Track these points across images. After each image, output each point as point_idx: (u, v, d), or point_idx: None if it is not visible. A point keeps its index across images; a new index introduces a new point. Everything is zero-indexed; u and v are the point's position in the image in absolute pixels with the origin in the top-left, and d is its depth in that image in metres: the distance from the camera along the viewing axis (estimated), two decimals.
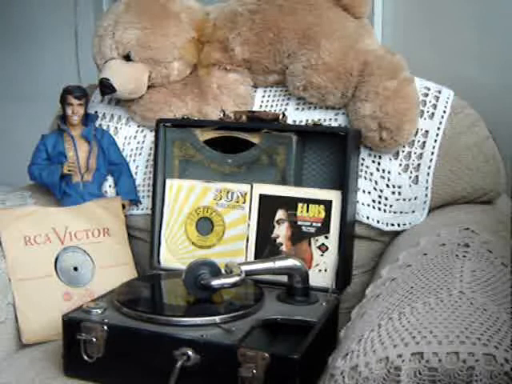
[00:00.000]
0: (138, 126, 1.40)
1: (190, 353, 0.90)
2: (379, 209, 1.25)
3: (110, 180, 1.37)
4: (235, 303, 1.05)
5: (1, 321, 1.15)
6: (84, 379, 0.98)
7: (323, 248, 1.19)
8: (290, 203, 1.21)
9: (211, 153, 1.27)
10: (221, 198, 1.26)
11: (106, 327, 0.96)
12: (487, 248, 0.96)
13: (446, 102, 1.24)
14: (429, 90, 1.26)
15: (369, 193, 1.25)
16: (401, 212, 1.24)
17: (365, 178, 1.26)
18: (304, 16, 1.29)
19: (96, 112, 1.42)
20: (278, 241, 1.22)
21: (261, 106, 1.36)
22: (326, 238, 1.18)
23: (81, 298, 1.19)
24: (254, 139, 1.23)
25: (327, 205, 1.19)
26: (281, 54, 1.30)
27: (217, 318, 0.97)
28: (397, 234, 1.24)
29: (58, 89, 1.31)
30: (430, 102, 1.25)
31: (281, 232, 1.22)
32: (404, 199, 1.24)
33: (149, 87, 1.36)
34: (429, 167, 1.22)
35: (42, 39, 2.36)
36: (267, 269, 1.09)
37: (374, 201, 1.25)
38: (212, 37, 1.36)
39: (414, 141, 1.23)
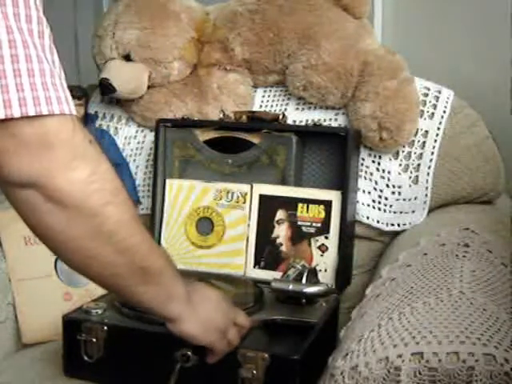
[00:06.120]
0: (138, 126, 1.40)
1: (189, 353, 0.90)
2: (379, 209, 1.25)
3: None
4: (235, 303, 1.05)
5: (1, 321, 1.15)
6: (84, 379, 0.98)
7: (323, 248, 1.19)
8: (290, 203, 1.21)
9: (211, 153, 1.27)
10: (221, 198, 1.26)
11: (106, 327, 0.96)
12: (487, 248, 0.96)
13: (446, 102, 1.24)
14: (429, 90, 1.26)
15: (369, 193, 1.25)
16: (401, 212, 1.24)
17: (365, 178, 1.25)
18: (304, 16, 1.29)
19: (96, 112, 1.41)
20: (278, 241, 1.22)
21: (261, 106, 1.36)
22: (326, 238, 1.18)
23: (81, 298, 1.18)
24: (254, 139, 1.23)
25: (327, 205, 1.19)
26: (281, 54, 1.30)
27: None
28: (397, 234, 1.24)
29: None
30: (429, 102, 1.25)
31: (281, 232, 1.22)
32: (404, 199, 1.24)
33: (149, 87, 1.36)
34: (429, 167, 1.22)
35: None
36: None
37: (373, 201, 1.25)
38: (212, 37, 1.36)
39: (413, 141, 1.23)
